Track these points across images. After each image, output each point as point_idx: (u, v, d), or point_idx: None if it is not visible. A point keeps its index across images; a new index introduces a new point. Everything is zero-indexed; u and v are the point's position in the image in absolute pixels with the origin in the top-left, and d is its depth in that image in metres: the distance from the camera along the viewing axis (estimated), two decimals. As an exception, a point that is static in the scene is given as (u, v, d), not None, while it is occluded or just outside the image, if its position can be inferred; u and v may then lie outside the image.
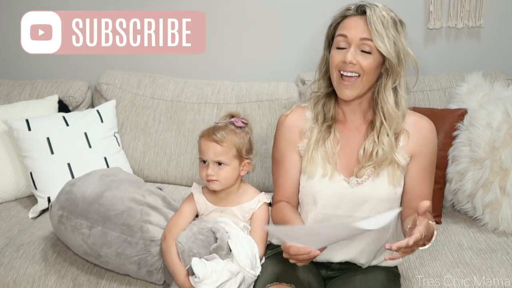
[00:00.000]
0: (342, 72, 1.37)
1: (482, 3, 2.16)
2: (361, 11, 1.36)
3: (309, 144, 1.44)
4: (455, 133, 1.85)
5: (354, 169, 1.42)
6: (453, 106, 1.94)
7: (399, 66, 1.37)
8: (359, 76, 1.36)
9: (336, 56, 1.38)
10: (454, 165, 1.83)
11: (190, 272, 1.39)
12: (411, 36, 2.18)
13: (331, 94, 1.47)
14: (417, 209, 1.19)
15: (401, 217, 1.46)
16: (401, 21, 1.38)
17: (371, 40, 1.33)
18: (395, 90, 1.39)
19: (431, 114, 1.87)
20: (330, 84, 1.45)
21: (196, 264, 1.37)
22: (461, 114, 1.87)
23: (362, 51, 1.35)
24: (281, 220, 1.42)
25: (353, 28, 1.35)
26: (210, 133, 1.48)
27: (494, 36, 2.22)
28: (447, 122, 1.87)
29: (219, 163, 1.46)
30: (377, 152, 1.39)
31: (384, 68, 1.38)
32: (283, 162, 1.48)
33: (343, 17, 1.39)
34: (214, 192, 1.51)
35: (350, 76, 1.37)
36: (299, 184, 1.48)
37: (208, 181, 1.47)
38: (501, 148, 1.73)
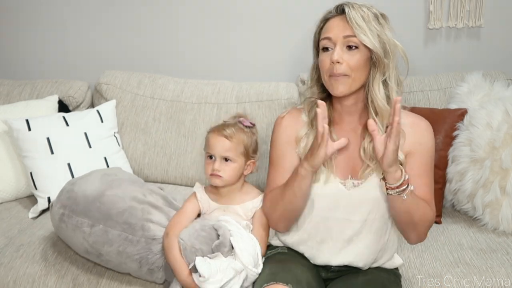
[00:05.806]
0: (331, 75, 1.37)
1: (482, 3, 2.16)
2: (340, 10, 1.38)
3: (306, 149, 1.42)
4: (455, 133, 1.85)
5: (351, 171, 1.41)
6: (453, 106, 1.94)
7: (386, 57, 1.35)
8: (348, 76, 1.36)
9: (325, 60, 1.38)
10: (454, 165, 1.83)
11: (193, 270, 1.39)
12: (411, 36, 2.22)
13: (325, 98, 1.46)
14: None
15: None
16: (382, 15, 1.38)
17: (354, 36, 1.34)
18: (385, 83, 1.38)
19: (431, 114, 1.88)
20: (323, 89, 1.46)
21: (201, 263, 1.37)
22: (461, 114, 1.87)
23: (348, 47, 1.35)
24: (277, 195, 1.44)
25: (335, 28, 1.37)
26: (220, 129, 1.50)
27: (494, 36, 2.22)
28: (447, 122, 1.87)
29: (226, 159, 1.48)
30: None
31: (372, 62, 1.37)
32: (282, 162, 1.47)
33: (325, 20, 1.41)
34: (217, 190, 1.52)
35: (338, 75, 1.36)
36: None
37: (212, 175, 1.48)
38: (501, 148, 1.73)
